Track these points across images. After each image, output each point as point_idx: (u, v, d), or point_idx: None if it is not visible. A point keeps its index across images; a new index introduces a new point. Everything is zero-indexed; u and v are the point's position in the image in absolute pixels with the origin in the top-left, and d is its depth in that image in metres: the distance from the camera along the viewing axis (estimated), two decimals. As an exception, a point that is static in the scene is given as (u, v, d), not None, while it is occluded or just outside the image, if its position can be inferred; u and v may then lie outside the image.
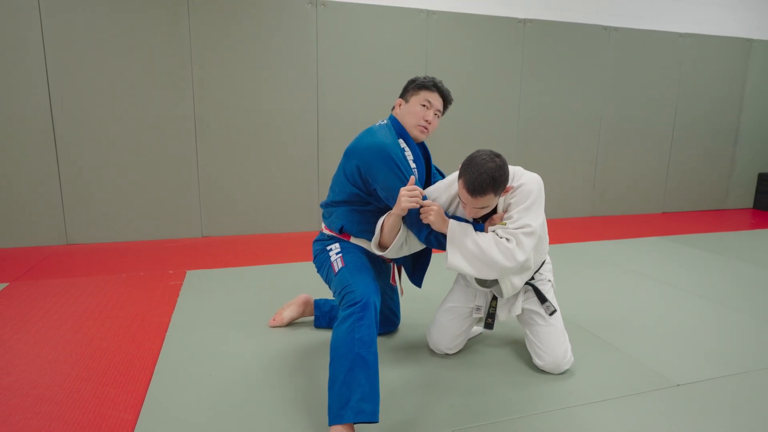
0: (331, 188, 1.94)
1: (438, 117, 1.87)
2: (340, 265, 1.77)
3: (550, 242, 3.95)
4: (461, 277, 2.02)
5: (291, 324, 2.26)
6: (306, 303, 2.26)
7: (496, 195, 1.60)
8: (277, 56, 3.77)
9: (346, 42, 3.90)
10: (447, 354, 2.00)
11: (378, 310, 1.59)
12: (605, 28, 4.58)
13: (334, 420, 1.39)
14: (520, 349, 2.05)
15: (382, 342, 2.11)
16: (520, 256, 1.61)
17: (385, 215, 1.79)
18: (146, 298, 2.54)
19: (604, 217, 4.90)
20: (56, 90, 3.37)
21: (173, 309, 2.41)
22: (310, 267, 3.07)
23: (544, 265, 1.95)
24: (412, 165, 1.79)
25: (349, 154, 1.80)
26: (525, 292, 1.91)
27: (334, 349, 1.50)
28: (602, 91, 4.71)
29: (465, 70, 4.25)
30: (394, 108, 1.90)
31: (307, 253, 3.40)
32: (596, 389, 1.77)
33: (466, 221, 1.73)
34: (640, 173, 5.04)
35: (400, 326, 2.25)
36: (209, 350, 2.00)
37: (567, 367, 1.86)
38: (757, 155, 5.45)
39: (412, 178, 1.67)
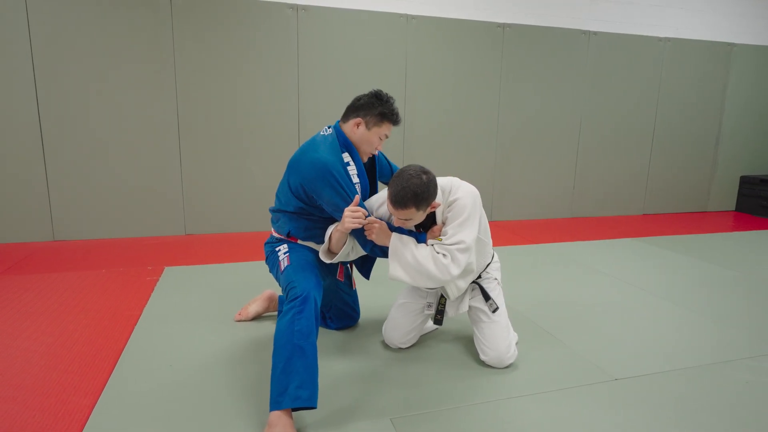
0: (278, 196, 1.98)
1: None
2: (285, 264, 1.86)
3: (524, 242, 4.04)
4: None
5: (256, 318, 2.37)
6: (270, 299, 2.37)
7: (418, 209, 1.70)
8: (258, 59, 3.87)
9: (327, 46, 3.99)
10: (400, 348, 2.10)
11: (318, 304, 1.67)
12: (584, 32, 4.66)
13: (273, 406, 1.49)
14: (469, 345, 2.14)
15: (338, 335, 2.21)
16: (455, 271, 1.73)
17: (332, 227, 1.87)
18: (121, 293, 2.65)
19: (582, 219, 4.99)
20: (43, 89, 3.48)
21: (146, 303, 2.51)
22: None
23: (491, 264, 2.04)
24: (356, 180, 1.85)
25: (292, 167, 1.86)
26: (472, 290, 2.01)
27: (276, 340, 1.59)
28: (582, 95, 4.79)
29: (445, 74, 4.34)
30: (346, 121, 1.89)
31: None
32: (536, 382, 1.86)
33: (409, 232, 1.82)
34: (620, 175, 5.12)
35: (361, 321, 2.35)
36: (174, 342, 2.10)
37: (510, 362, 1.95)
38: (739, 158, 5.52)
39: (357, 198, 1.76)
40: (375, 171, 2.06)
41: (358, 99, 1.91)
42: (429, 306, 2.05)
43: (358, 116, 1.88)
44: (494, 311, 1.96)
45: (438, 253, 1.76)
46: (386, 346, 2.13)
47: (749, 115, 5.42)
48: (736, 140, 5.44)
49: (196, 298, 2.61)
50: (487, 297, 1.97)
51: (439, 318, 2.03)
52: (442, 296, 2.01)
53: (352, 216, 1.72)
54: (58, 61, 3.48)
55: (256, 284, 2.81)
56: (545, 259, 3.51)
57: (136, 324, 2.27)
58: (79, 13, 3.46)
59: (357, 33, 4.05)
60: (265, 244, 2.04)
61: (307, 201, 1.86)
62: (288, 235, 1.95)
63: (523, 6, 4.49)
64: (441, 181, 1.84)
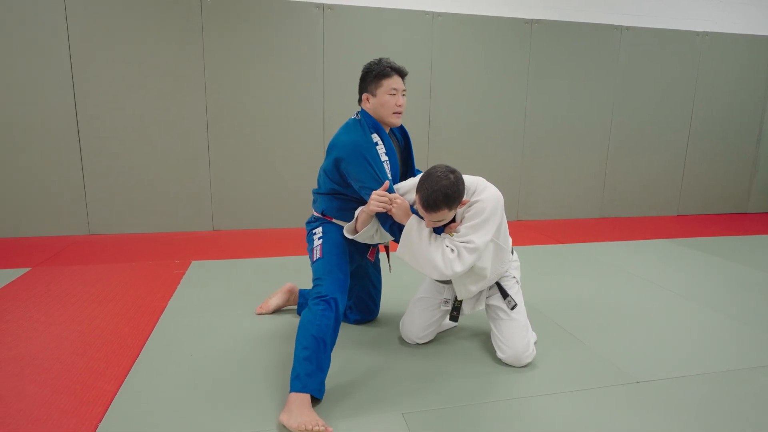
0: (318, 180, 2.11)
1: (405, 95, 1.96)
2: (317, 255, 1.94)
3: (555, 242, 3.98)
4: None
5: (277, 311, 2.41)
6: (291, 291, 2.41)
7: (450, 210, 1.70)
8: (285, 58, 3.93)
9: (352, 44, 4.02)
10: (417, 343, 2.09)
11: (342, 306, 1.79)
12: (616, 27, 4.53)
13: (292, 388, 1.59)
14: (487, 342, 2.12)
15: (356, 329, 2.23)
16: (458, 268, 1.72)
17: (360, 208, 1.92)
18: (149, 285, 2.74)
19: (613, 219, 4.85)
20: (80, 89, 3.64)
21: (172, 295, 2.60)
22: (308, 260, 3.23)
23: (511, 263, 2.01)
24: (384, 158, 1.91)
25: (330, 149, 1.97)
26: (489, 288, 1.99)
27: (301, 329, 1.70)
28: (613, 92, 4.66)
29: (471, 72, 4.30)
30: (361, 101, 1.98)
31: (304, 247, 3.55)
32: (553, 382, 1.82)
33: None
34: (653, 175, 4.95)
35: (379, 316, 2.36)
36: (196, 333, 2.16)
37: (528, 361, 1.92)
38: (782, 157, 5.25)
39: (386, 183, 1.81)
40: (410, 148, 2.12)
41: (359, 79, 1.99)
42: (446, 302, 2.04)
43: (363, 92, 1.97)
44: (513, 308, 1.93)
45: (447, 246, 1.75)
46: (403, 341, 2.13)
47: (794, 112, 5.15)
48: (779, 138, 5.18)
49: (220, 291, 2.68)
50: (505, 294, 1.95)
51: (455, 315, 2.02)
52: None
53: (378, 199, 1.78)
54: (93, 60, 3.62)
55: (279, 279, 2.86)
56: (572, 259, 3.43)
57: (161, 314, 2.34)
58: (113, 14, 3.60)
59: (382, 31, 4.06)
60: (306, 223, 2.14)
61: (340, 180, 1.95)
62: (323, 214, 2.03)
63: (552, 1, 4.40)
64: (467, 179, 1.83)
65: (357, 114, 2.00)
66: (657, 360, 2.01)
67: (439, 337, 2.17)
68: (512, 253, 2.05)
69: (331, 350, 1.69)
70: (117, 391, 1.69)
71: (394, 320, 2.30)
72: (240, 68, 3.88)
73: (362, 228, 1.89)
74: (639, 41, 4.60)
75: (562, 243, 3.87)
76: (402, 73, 1.94)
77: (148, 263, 3.13)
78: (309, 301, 1.79)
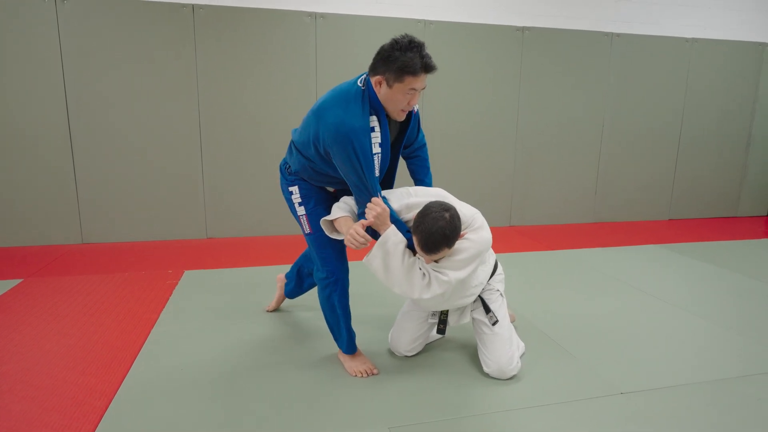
0: (302, 129, 1.85)
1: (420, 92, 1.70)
2: (307, 229, 1.95)
3: (547, 248, 4.00)
4: None
5: (270, 321, 2.43)
6: (280, 280, 2.55)
7: (449, 248, 1.71)
8: (278, 66, 3.95)
9: (345, 53, 4.04)
10: (405, 356, 2.12)
11: (344, 278, 1.95)
12: (607, 34, 4.57)
13: (341, 350, 2.02)
14: (475, 355, 2.14)
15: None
16: (425, 295, 1.75)
17: (336, 205, 1.87)
18: (142, 296, 2.75)
19: (605, 224, 4.89)
20: (72, 96, 3.65)
21: (164, 306, 2.61)
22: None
23: (494, 276, 2.04)
24: (377, 150, 1.70)
25: (318, 115, 1.71)
26: (474, 302, 2.01)
27: (322, 308, 2.01)
28: (604, 98, 4.70)
29: (463, 79, 4.33)
30: (373, 76, 1.68)
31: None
32: (539, 394, 1.85)
33: (405, 230, 1.81)
34: (644, 179, 4.99)
35: (369, 328, 2.37)
36: (187, 345, 2.18)
37: (513, 374, 1.95)
38: (772, 162, 5.30)
39: (378, 200, 1.70)
40: (406, 131, 1.88)
41: (381, 49, 1.67)
42: (433, 315, 2.06)
43: (377, 74, 1.66)
44: (494, 324, 1.96)
45: (420, 270, 1.77)
46: (391, 353, 2.15)
47: (783, 117, 5.20)
48: (767, 144, 5.24)
49: (213, 301, 2.70)
50: (487, 309, 1.98)
51: (441, 328, 2.04)
52: None
53: (354, 237, 1.68)
54: (86, 69, 3.63)
55: (273, 289, 2.87)
56: (564, 266, 3.46)
57: (153, 327, 2.36)
58: (106, 21, 3.61)
59: (375, 40, 4.04)
60: (280, 166, 2.03)
61: (315, 157, 1.78)
62: (296, 174, 1.93)
63: (543, 9, 4.44)
64: (465, 212, 1.81)
65: (361, 81, 1.71)
66: (642, 370, 2.04)
67: (427, 349, 2.19)
68: (497, 265, 2.07)
69: (350, 316, 1.99)
70: (107, 407, 1.71)
71: (383, 333, 2.32)
72: (233, 77, 3.89)
73: (342, 226, 1.81)
74: (629, 48, 4.64)
75: (553, 249, 3.90)
76: (430, 71, 1.65)
77: (141, 273, 3.15)
78: (316, 281, 1.99)
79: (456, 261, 1.76)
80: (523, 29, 4.37)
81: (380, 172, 1.79)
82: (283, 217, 4.19)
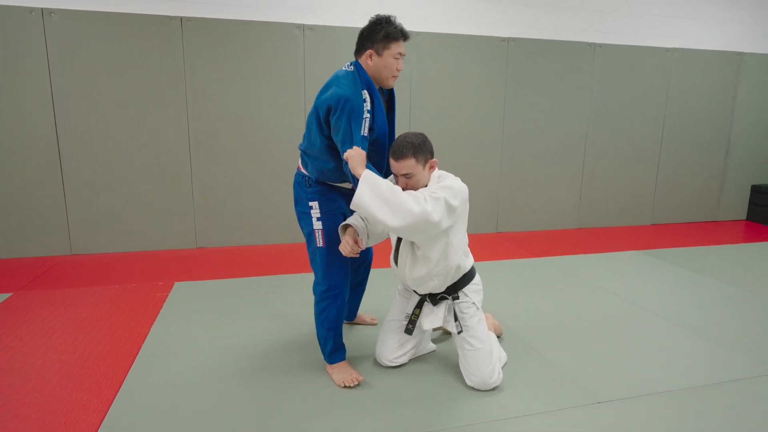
0: (305, 134, 2.09)
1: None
2: (320, 243, 2.08)
3: (529, 255, 4.07)
4: (402, 289, 2.20)
5: (261, 334, 2.47)
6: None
7: (417, 161, 1.85)
8: (266, 78, 3.99)
9: (333, 64, 4.07)
10: (390, 366, 2.18)
11: (343, 291, 2.09)
12: (590, 44, 4.67)
13: (327, 361, 2.13)
14: (458, 366, 2.20)
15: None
16: (429, 207, 1.75)
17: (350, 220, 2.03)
18: (133, 309, 2.79)
19: (589, 230, 4.99)
20: (60, 106, 3.66)
21: (154, 320, 2.65)
22: (292, 280, 3.29)
23: (469, 286, 2.07)
24: (366, 114, 1.91)
25: (318, 96, 1.99)
26: (449, 311, 2.07)
27: (316, 322, 2.13)
28: (588, 107, 4.80)
29: (450, 89, 4.41)
30: (360, 55, 1.98)
31: (293, 265, 3.62)
32: (519, 405, 1.92)
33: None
34: (627, 185, 5.11)
35: (356, 338, 2.43)
36: (178, 360, 2.22)
37: (495, 385, 2.01)
38: (750, 167, 5.45)
39: (357, 148, 1.85)
40: (393, 108, 2.17)
41: (362, 32, 1.99)
42: (407, 316, 2.12)
43: (366, 48, 1.96)
44: (459, 333, 2.02)
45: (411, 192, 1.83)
46: (377, 363, 2.21)
47: (759, 124, 5.36)
48: (746, 149, 5.38)
49: (204, 314, 2.74)
50: (455, 317, 2.03)
51: (410, 327, 2.09)
52: (416, 307, 2.08)
53: (347, 242, 1.91)
54: (74, 79, 3.65)
55: (265, 300, 2.92)
56: (548, 273, 3.55)
57: (144, 341, 2.39)
58: (93, 33, 3.63)
59: (361, 50, 4.14)
60: (295, 183, 2.19)
61: (326, 130, 1.96)
62: (316, 181, 2.10)
63: (528, 20, 4.53)
64: (439, 171, 1.97)
65: (350, 65, 1.99)
66: (618, 378, 2.12)
67: (413, 361, 2.25)
68: (474, 272, 2.11)
69: (341, 328, 2.12)
70: (100, 423, 1.75)
71: (370, 342, 2.38)
72: (221, 89, 3.93)
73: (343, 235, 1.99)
74: (612, 58, 4.75)
75: (538, 256, 3.99)
76: (407, 38, 1.99)
77: (131, 285, 3.17)
78: (315, 294, 2.12)
79: (442, 185, 1.86)
80: (508, 40, 4.46)
81: (380, 142, 2.01)
82: (273, 226, 4.24)
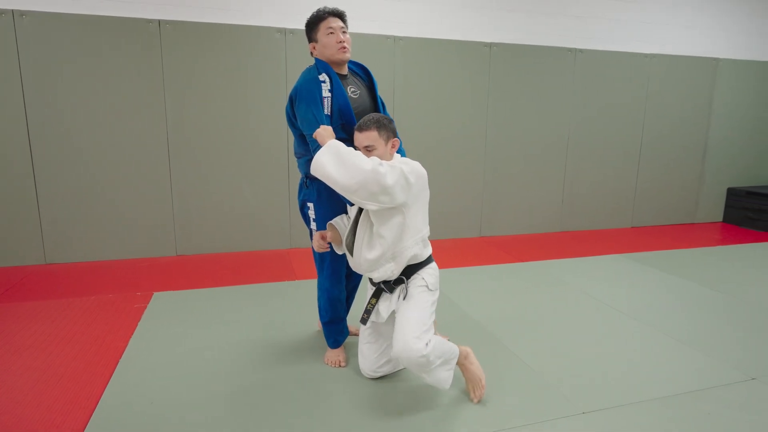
0: (294, 141, 2.26)
1: (346, 32, 2.14)
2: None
3: (512, 260, 4.08)
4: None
5: (244, 348, 2.43)
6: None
7: (379, 134, 1.92)
8: (247, 82, 3.94)
9: (315, 68, 4.05)
10: (373, 377, 2.15)
11: (332, 288, 2.26)
12: (570, 50, 4.72)
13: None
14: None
15: (318, 358, 2.27)
16: (382, 168, 1.80)
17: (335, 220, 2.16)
18: (110, 322, 2.71)
19: (571, 233, 5.04)
20: (33, 113, 3.55)
21: (132, 333, 2.58)
22: (276, 288, 3.24)
23: (425, 269, 2.00)
24: (327, 94, 2.05)
25: (291, 93, 2.15)
26: (401, 296, 1.97)
27: (319, 311, 2.34)
28: (569, 111, 4.85)
29: (433, 93, 4.40)
30: (312, 53, 2.17)
31: (276, 273, 3.57)
32: (504, 417, 1.91)
33: None
34: (608, 189, 5.18)
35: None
36: (157, 376, 2.16)
37: (421, 354, 1.79)
38: (726, 170, 5.57)
39: (324, 125, 1.98)
40: (374, 85, 2.27)
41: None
42: (366, 311, 2.06)
43: (310, 43, 2.17)
44: (404, 297, 1.94)
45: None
46: (362, 375, 2.19)
47: (735, 128, 5.48)
48: (722, 153, 5.50)
49: (183, 326, 2.67)
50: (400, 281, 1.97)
51: (365, 317, 2.04)
52: (372, 297, 2.03)
53: (317, 240, 2.07)
54: (47, 84, 3.55)
55: (248, 310, 2.87)
56: (532, 279, 3.56)
57: (121, 356, 2.33)
58: (68, 37, 3.53)
59: (344, 55, 4.11)
60: (300, 188, 2.30)
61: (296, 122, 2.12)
62: (308, 176, 2.20)
63: (510, 25, 4.56)
64: (402, 158, 2.00)
65: (313, 63, 2.17)
66: (603, 387, 2.13)
67: (398, 373, 2.23)
68: (431, 261, 2.04)
69: (336, 311, 2.29)
70: (74, 447, 1.69)
71: (354, 350, 2.36)
72: (201, 93, 3.86)
73: (339, 239, 2.09)
74: (592, 63, 4.81)
75: (523, 261, 4.01)
76: (336, 13, 2.12)
77: (108, 297, 3.09)
78: (318, 283, 2.32)
79: (401, 159, 1.95)
80: (490, 45, 4.48)
81: (347, 119, 2.10)
82: (256, 233, 4.18)
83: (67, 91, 3.59)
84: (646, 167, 5.26)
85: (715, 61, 5.20)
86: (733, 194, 5.55)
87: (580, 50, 4.74)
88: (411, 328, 1.85)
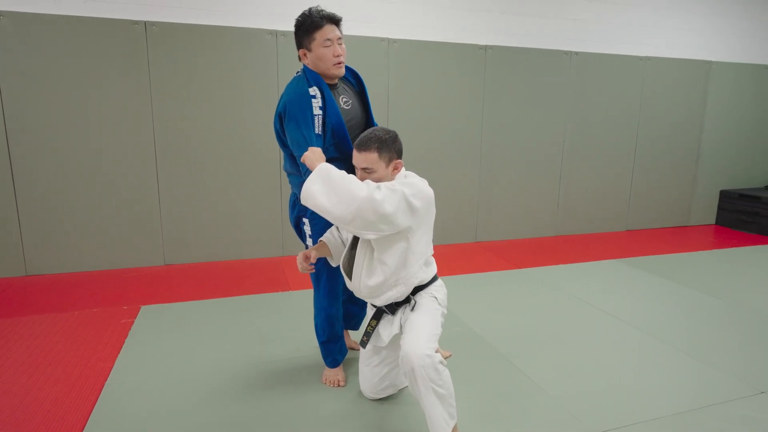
0: (284, 158, 2.09)
1: (342, 43, 1.94)
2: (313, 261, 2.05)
3: (508, 266, 4.01)
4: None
5: (237, 366, 2.32)
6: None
7: (380, 157, 1.74)
8: (237, 85, 3.81)
9: (307, 71, 3.94)
10: (377, 399, 2.06)
11: (329, 308, 2.13)
12: (566, 52, 4.67)
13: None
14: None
15: (316, 377, 2.17)
16: (379, 194, 1.61)
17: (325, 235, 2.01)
18: (94, 340, 2.58)
19: (567, 237, 5.00)
20: (12, 117, 3.39)
21: (119, 352, 2.45)
22: (270, 299, 3.14)
23: (432, 286, 1.89)
24: (318, 111, 1.87)
25: (277, 108, 1.98)
26: (404, 311, 1.85)
27: (316, 330, 2.20)
28: (564, 114, 4.80)
29: (427, 96, 4.32)
30: (300, 58, 1.97)
31: (270, 283, 3.45)
32: (513, 439, 1.84)
33: None
34: (603, 192, 5.14)
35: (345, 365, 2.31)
36: (145, 399, 2.05)
37: (426, 353, 1.60)
38: (719, 172, 5.57)
39: (313, 147, 1.79)
40: (365, 93, 2.12)
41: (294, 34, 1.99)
42: (366, 334, 1.93)
43: (299, 49, 1.95)
44: (413, 309, 1.81)
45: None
46: (361, 393, 2.10)
47: (727, 131, 5.48)
48: (715, 156, 5.50)
49: (173, 343, 2.56)
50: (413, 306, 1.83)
51: (365, 340, 1.91)
52: (372, 318, 1.91)
53: (300, 260, 1.89)
54: (27, 88, 3.39)
55: (241, 324, 2.76)
56: (530, 287, 3.50)
57: (107, 378, 2.21)
58: (49, 38, 3.38)
59: (337, 58, 4.00)
60: (290, 203, 2.15)
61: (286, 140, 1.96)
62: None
63: (505, 28, 4.49)
64: (406, 172, 1.87)
65: (299, 70, 1.99)
66: (613, 404, 2.06)
67: (400, 393, 2.15)
68: (437, 278, 1.94)
69: (334, 330, 2.16)
70: (56, 484, 1.58)
71: (353, 368, 2.26)
72: (189, 97, 3.73)
73: (329, 253, 1.97)
74: (587, 65, 4.76)
75: (519, 267, 3.94)
76: (334, 20, 1.91)
77: (92, 311, 2.96)
78: (315, 304, 2.18)
79: (404, 182, 1.73)
80: (485, 48, 4.40)
81: (339, 135, 1.93)
82: (247, 241, 4.06)
83: (48, 95, 3.44)
84: (641, 170, 5.23)
85: (708, 64, 5.19)
86: (725, 197, 5.55)
87: (576, 53, 4.70)
88: (423, 331, 1.69)
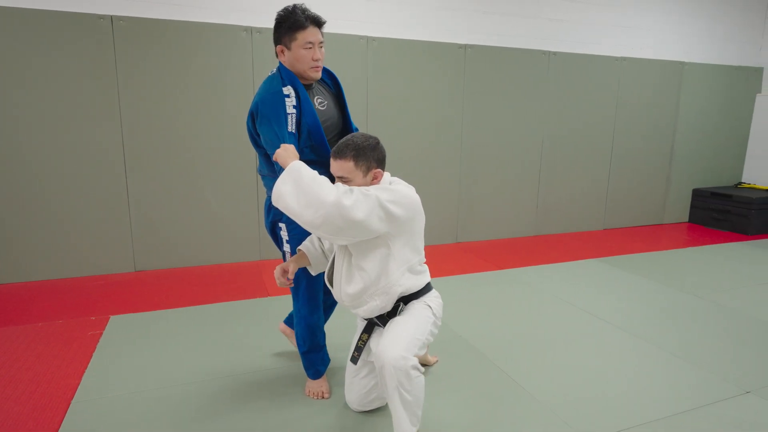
0: (259, 159, 2.06)
1: (323, 47, 1.89)
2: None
3: (489, 267, 3.98)
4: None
5: (213, 382, 2.20)
6: (284, 331, 2.43)
7: (356, 165, 1.66)
8: (211, 83, 3.67)
9: (284, 69, 3.83)
10: (364, 411, 1.98)
11: (310, 315, 2.04)
12: (544, 52, 4.67)
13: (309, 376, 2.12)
14: (434, 412, 2.05)
15: (299, 396, 2.08)
16: (348, 200, 1.54)
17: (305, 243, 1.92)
18: (60, 354, 2.42)
19: (546, 237, 5.01)
20: (-32, 123, 3.18)
21: (87, 367, 2.31)
22: (246, 306, 3.01)
23: (426, 296, 1.83)
24: (291, 110, 1.81)
25: (250, 107, 1.93)
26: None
27: (296, 340, 2.11)
28: (543, 113, 4.81)
29: (406, 95, 4.25)
30: (277, 55, 1.90)
31: (245, 289, 3.32)
32: (505, 450, 1.79)
33: None
34: (581, 192, 5.18)
35: (330, 377, 2.22)
36: (114, 419, 1.92)
37: (404, 362, 1.54)
38: (691, 172, 5.69)
39: (286, 144, 1.73)
40: (342, 95, 2.08)
41: (273, 27, 1.90)
42: (357, 348, 1.87)
43: (277, 45, 1.89)
44: (399, 312, 1.75)
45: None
46: (346, 405, 2.01)
47: (700, 131, 5.60)
48: (688, 155, 5.61)
49: (144, 355, 2.42)
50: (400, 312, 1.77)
51: (356, 356, 1.84)
52: (363, 332, 1.85)
53: (277, 274, 1.82)
54: (-15, 90, 3.18)
55: (217, 334, 2.64)
56: (512, 288, 3.47)
57: (74, 396, 2.06)
58: (8, 33, 3.18)
59: (315, 56, 3.90)
60: (266, 205, 2.05)
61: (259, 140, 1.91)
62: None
63: (485, 27, 4.46)
64: (392, 178, 1.79)
65: (275, 68, 1.93)
66: (603, 409, 2.04)
67: (387, 406, 2.07)
68: (431, 288, 1.88)
69: (315, 339, 2.08)
70: None
71: (336, 378, 2.18)
72: (160, 95, 3.56)
73: (309, 263, 1.89)
74: (565, 66, 4.78)
75: (501, 268, 3.92)
76: (319, 23, 1.86)
77: (57, 323, 2.78)
78: (295, 314, 2.08)
79: (383, 187, 1.66)
80: (465, 47, 4.37)
81: (315, 137, 1.87)
82: (222, 244, 3.92)
83: (8, 94, 3.23)
84: (617, 170, 5.29)
85: (680, 65, 5.28)
86: (698, 195, 5.67)
87: (554, 53, 4.71)
88: (406, 333, 1.62)
